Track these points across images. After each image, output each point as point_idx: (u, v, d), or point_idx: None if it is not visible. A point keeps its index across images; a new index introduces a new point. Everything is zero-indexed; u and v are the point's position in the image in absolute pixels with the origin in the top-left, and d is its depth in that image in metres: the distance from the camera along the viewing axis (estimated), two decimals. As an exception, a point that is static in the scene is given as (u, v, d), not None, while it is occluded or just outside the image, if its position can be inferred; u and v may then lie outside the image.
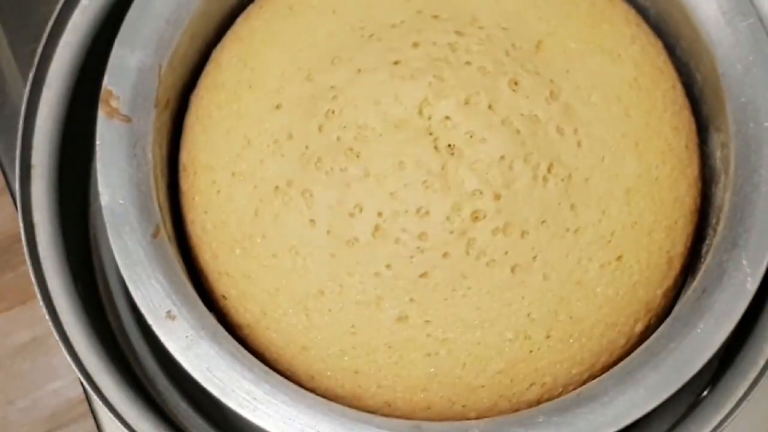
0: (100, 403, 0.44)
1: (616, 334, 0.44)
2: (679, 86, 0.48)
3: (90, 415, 0.54)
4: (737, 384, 0.44)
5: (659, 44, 0.48)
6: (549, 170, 0.43)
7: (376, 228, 0.42)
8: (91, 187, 0.51)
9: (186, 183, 0.47)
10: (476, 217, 0.42)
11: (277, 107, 0.45)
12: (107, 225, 0.43)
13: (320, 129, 0.44)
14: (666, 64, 0.48)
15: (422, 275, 0.42)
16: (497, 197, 0.42)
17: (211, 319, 0.43)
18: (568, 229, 0.43)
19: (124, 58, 0.45)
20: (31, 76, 0.46)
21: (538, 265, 0.43)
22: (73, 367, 0.44)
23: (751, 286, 0.42)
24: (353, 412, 0.41)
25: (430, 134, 0.43)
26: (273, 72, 0.46)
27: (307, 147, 0.44)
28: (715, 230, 0.45)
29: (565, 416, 0.41)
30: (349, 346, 0.43)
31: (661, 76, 0.47)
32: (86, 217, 0.51)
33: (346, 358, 0.43)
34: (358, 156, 0.43)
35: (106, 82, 0.44)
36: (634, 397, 0.41)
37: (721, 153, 0.46)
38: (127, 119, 0.44)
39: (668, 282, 0.45)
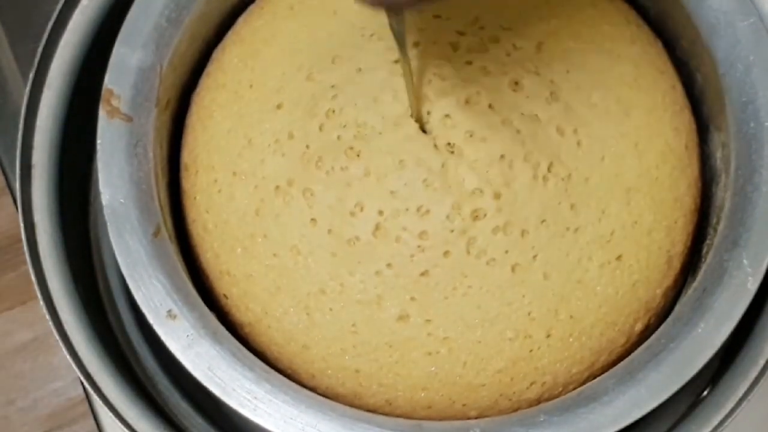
0: (101, 403, 0.44)
1: (616, 333, 0.44)
2: (679, 86, 0.48)
3: (90, 415, 0.54)
4: (738, 384, 0.44)
5: (659, 44, 0.48)
6: (549, 170, 0.43)
7: (377, 227, 0.43)
8: (92, 186, 0.51)
9: (187, 182, 0.47)
10: (476, 216, 0.42)
11: (278, 107, 0.45)
12: (108, 224, 0.43)
13: (321, 128, 0.44)
14: (666, 64, 0.48)
15: (423, 274, 0.42)
16: (497, 196, 0.42)
17: (211, 319, 0.43)
18: (568, 229, 0.43)
19: (125, 58, 0.45)
20: (31, 75, 0.47)
21: (538, 264, 0.43)
22: (74, 366, 0.44)
23: (752, 285, 0.42)
24: (354, 411, 0.41)
25: (430, 133, 0.43)
26: (274, 72, 0.46)
27: (307, 146, 0.44)
28: (715, 230, 0.45)
29: (565, 415, 0.41)
30: (350, 345, 0.43)
31: (661, 77, 0.47)
32: (86, 217, 0.51)
33: (347, 357, 0.43)
34: (358, 155, 0.43)
35: (107, 81, 0.44)
36: (634, 397, 0.41)
37: (722, 153, 0.46)
38: (128, 118, 0.44)
39: (668, 281, 0.45)
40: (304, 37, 0.46)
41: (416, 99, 0.43)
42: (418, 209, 0.42)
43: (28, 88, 0.46)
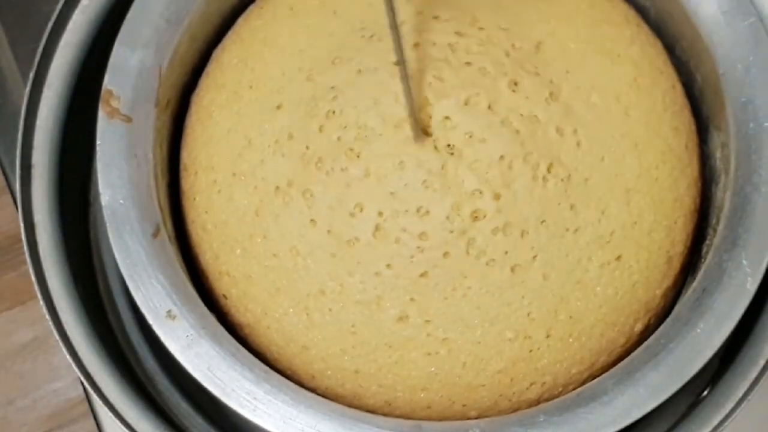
0: (101, 403, 0.44)
1: (616, 334, 0.44)
2: (678, 86, 0.48)
3: (90, 415, 0.54)
4: (737, 384, 0.44)
5: (659, 44, 0.48)
6: (548, 170, 0.43)
7: (377, 228, 0.43)
8: (92, 187, 0.51)
9: (187, 183, 0.47)
10: (476, 217, 0.42)
11: (278, 107, 0.45)
12: (108, 225, 0.43)
13: (321, 129, 0.44)
14: (666, 64, 0.48)
15: (422, 275, 0.42)
16: (497, 197, 0.42)
17: (211, 319, 0.43)
18: (567, 229, 0.43)
19: (125, 58, 0.45)
20: (31, 75, 0.47)
21: (537, 265, 0.43)
22: (73, 367, 0.44)
23: (751, 286, 0.42)
24: (353, 411, 0.42)
25: (430, 134, 0.43)
26: (273, 72, 0.46)
27: (307, 147, 0.44)
28: (715, 230, 0.45)
29: (565, 416, 0.41)
30: (350, 345, 0.43)
31: (661, 76, 0.47)
32: (86, 217, 0.51)
33: (346, 357, 0.43)
34: (358, 156, 0.43)
35: (107, 81, 0.45)
36: (634, 397, 0.41)
37: (722, 153, 0.46)
38: (128, 119, 0.44)
39: (668, 282, 0.45)
40: (304, 38, 0.46)
41: (411, 100, 0.42)
42: (418, 210, 0.42)
43: (28, 88, 0.46)
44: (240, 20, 0.49)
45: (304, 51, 0.46)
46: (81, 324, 0.45)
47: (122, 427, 0.44)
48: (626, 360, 0.43)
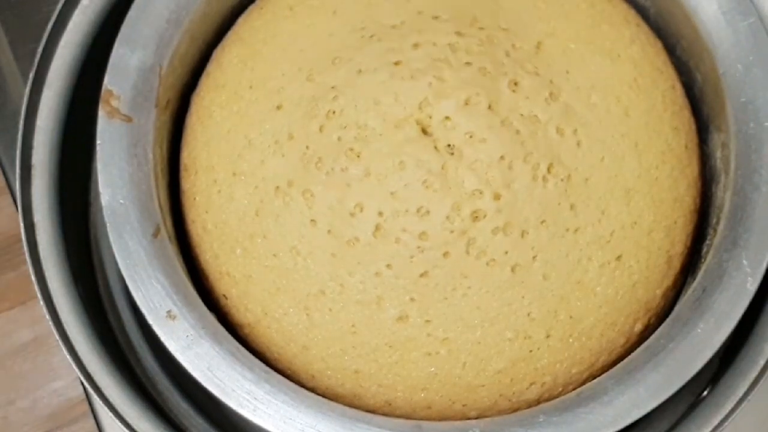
0: (101, 403, 0.44)
1: (616, 334, 0.44)
2: (678, 86, 0.48)
3: (90, 415, 0.54)
4: (737, 384, 0.44)
5: (659, 44, 0.48)
6: (549, 170, 0.43)
7: (377, 228, 0.43)
8: (92, 187, 0.51)
9: (187, 183, 0.47)
10: (476, 217, 0.42)
11: (278, 107, 0.45)
12: (108, 225, 0.43)
13: (321, 129, 0.44)
14: (665, 64, 0.48)
15: (422, 275, 0.42)
16: (497, 197, 0.42)
17: (211, 319, 0.43)
18: (567, 229, 0.43)
19: (125, 58, 0.45)
20: (31, 75, 0.47)
21: (538, 265, 0.43)
22: (74, 367, 0.44)
23: (752, 286, 0.42)
24: (353, 411, 0.42)
25: (430, 134, 0.43)
26: (274, 72, 0.46)
27: (307, 147, 0.44)
28: (715, 230, 0.45)
29: (565, 416, 0.41)
30: (350, 345, 0.43)
31: (661, 76, 0.47)
32: (86, 217, 0.51)
33: (346, 357, 0.43)
34: (358, 156, 0.43)
35: (107, 81, 0.44)
36: (634, 397, 0.41)
37: (722, 153, 0.46)
38: (128, 119, 0.44)
39: (668, 282, 0.45)
40: (304, 38, 0.46)
41: None
42: (418, 210, 0.42)
43: (28, 88, 0.46)
44: (240, 20, 0.49)
45: (304, 51, 0.46)
46: (81, 324, 0.45)
47: (122, 427, 0.44)
48: (626, 360, 0.43)
